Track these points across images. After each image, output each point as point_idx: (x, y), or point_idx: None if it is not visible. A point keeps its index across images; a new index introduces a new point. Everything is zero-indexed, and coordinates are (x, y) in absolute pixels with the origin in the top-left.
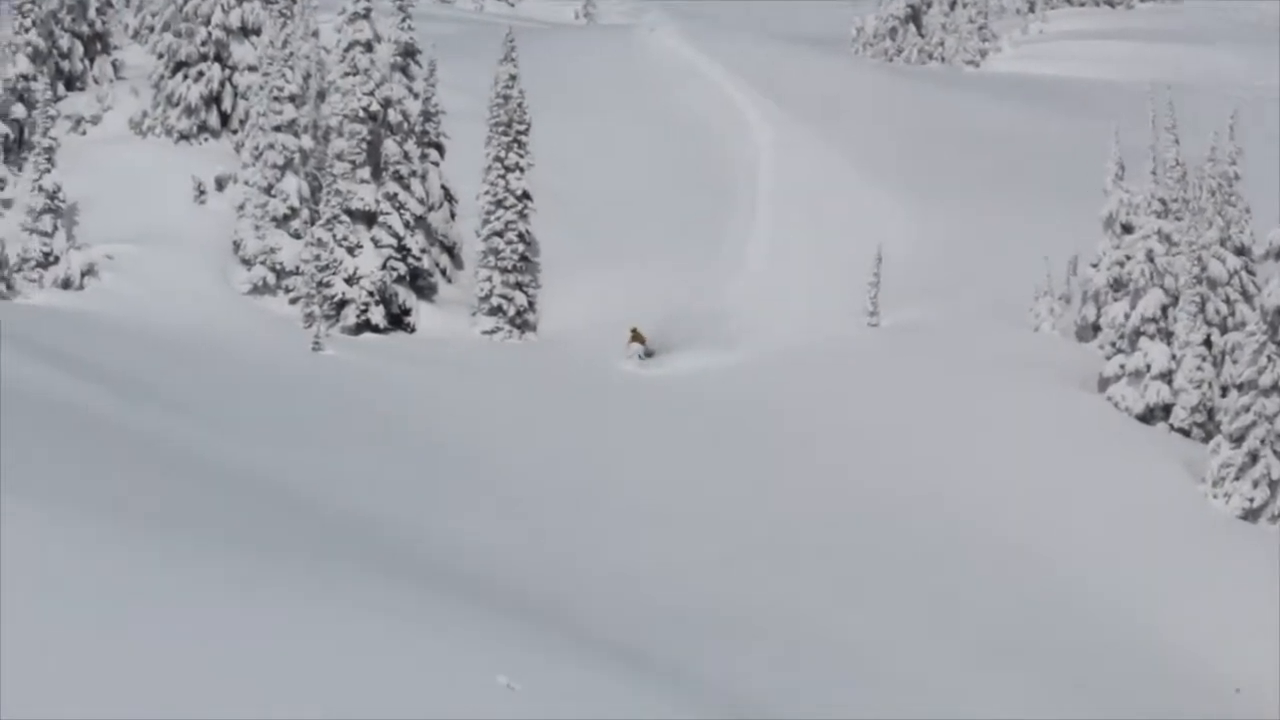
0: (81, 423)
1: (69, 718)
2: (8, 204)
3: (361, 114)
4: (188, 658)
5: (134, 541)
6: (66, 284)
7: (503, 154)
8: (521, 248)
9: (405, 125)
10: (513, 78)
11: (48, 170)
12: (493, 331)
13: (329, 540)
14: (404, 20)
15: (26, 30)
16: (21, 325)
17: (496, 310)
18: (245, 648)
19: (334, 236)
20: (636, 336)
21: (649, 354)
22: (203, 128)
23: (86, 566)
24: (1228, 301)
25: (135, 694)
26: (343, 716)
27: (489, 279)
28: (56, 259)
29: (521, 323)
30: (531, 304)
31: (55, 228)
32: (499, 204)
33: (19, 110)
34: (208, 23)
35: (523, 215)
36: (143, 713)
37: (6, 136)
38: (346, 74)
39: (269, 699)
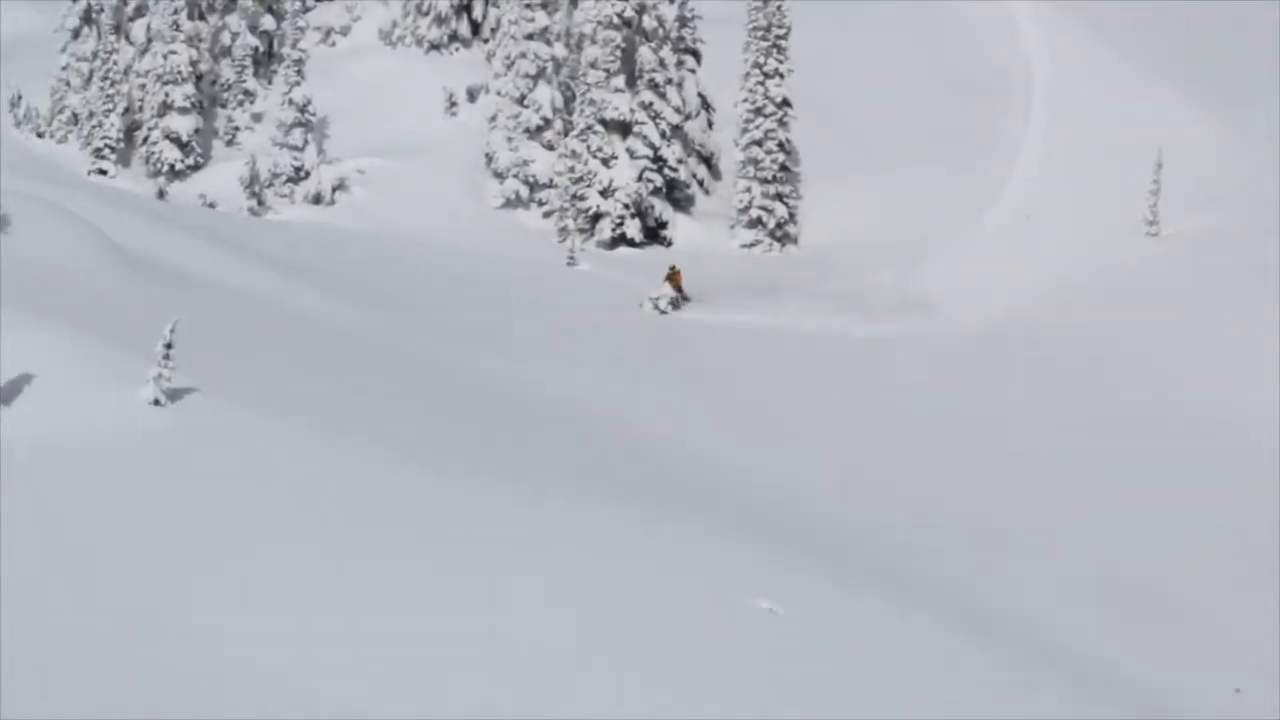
0: (360, 348)
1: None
2: (258, 118)
3: (616, 20)
4: (476, 581)
5: (437, 471)
6: (317, 199)
7: (762, 60)
8: (782, 157)
9: (660, 31)
10: None
11: (298, 83)
12: (752, 245)
13: (598, 459)
14: None
15: None
16: (279, 243)
17: (756, 222)
18: (511, 568)
19: (588, 148)
20: (672, 277)
21: (676, 303)
22: (453, 37)
23: (387, 498)
24: None
25: (440, 607)
26: (598, 635)
27: (748, 190)
28: (307, 174)
29: (782, 235)
30: (792, 215)
31: (306, 142)
32: (758, 112)
33: (268, 22)
34: None
35: (783, 123)
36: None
37: (256, 49)
38: None
39: (526, 616)
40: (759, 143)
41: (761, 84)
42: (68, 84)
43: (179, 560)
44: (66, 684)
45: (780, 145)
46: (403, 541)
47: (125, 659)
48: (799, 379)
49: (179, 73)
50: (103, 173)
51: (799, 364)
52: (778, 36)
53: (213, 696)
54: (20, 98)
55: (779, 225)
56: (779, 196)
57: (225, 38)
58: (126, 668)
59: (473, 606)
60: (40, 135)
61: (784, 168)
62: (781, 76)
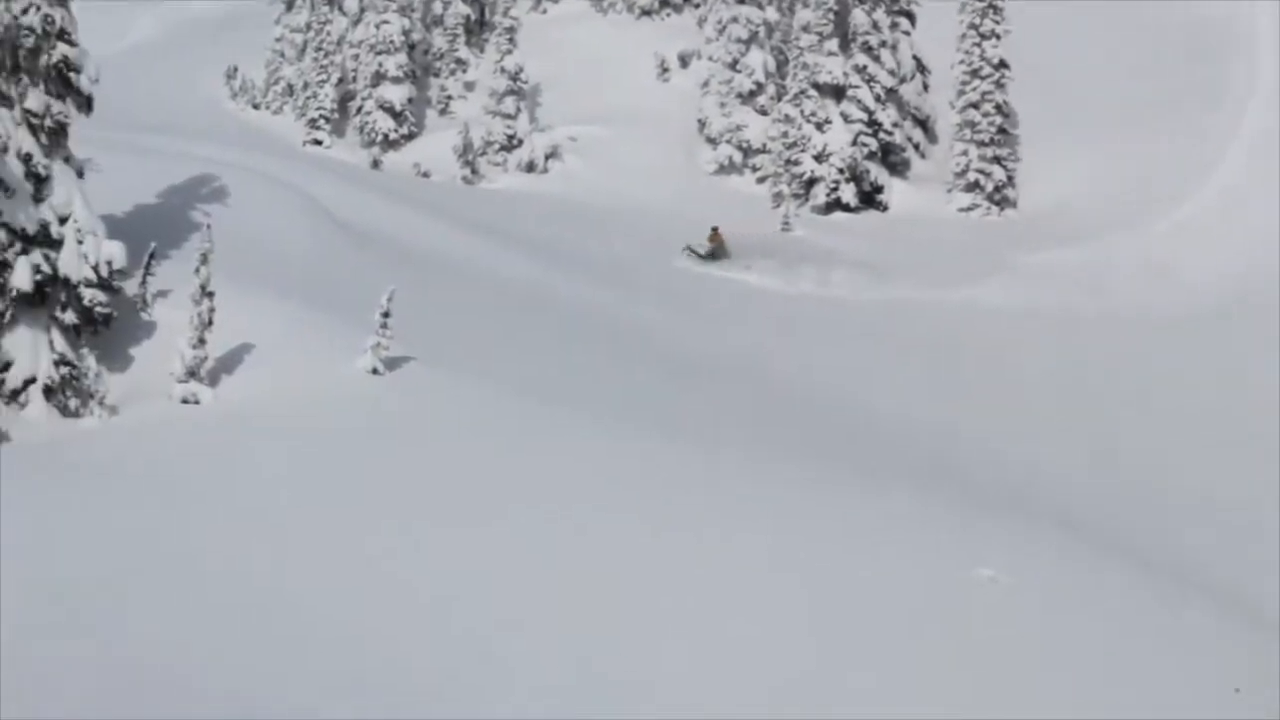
0: (571, 314)
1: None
2: (470, 86)
3: None
4: (738, 552)
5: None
6: (530, 167)
7: (978, 20)
8: (999, 120)
9: None
10: None
11: (509, 51)
12: (969, 209)
13: (828, 432)
14: None
15: None
16: (492, 211)
17: (973, 186)
18: (735, 534)
19: (802, 112)
20: (714, 236)
21: (714, 254)
22: (665, 2)
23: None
24: None
25: (706, 576)
26: (823, 599)
27: (965, 153)
28: (520, 142)
29: (1000, 199)
30: (1010, 179)
31: (518, 110)
32: (974, 74)
33: None
34: None
35: (1000, 85)
36: (708, 591)
37: (468, 18)
38: None
39: (753, 582)
40: (976, 105)
41: (978, 45)
42: (282, 55)
43: (393, 526)
44: (300, 650)
45: (997, 108)
46: (618, 507)
47: (345, 625)
48: (1014, 350)
49: (392, 42)
50: (318, 143)
51: (1015, 335)
52: None
53: (430, 668)
54: (236, 70)
55: (997, 189)
56: (997, 159)
57: (437, 7)
58: (353, 633)
59: (695, 574)
60: (256, 107)
61: (1001, 130)
62: (998, 38)
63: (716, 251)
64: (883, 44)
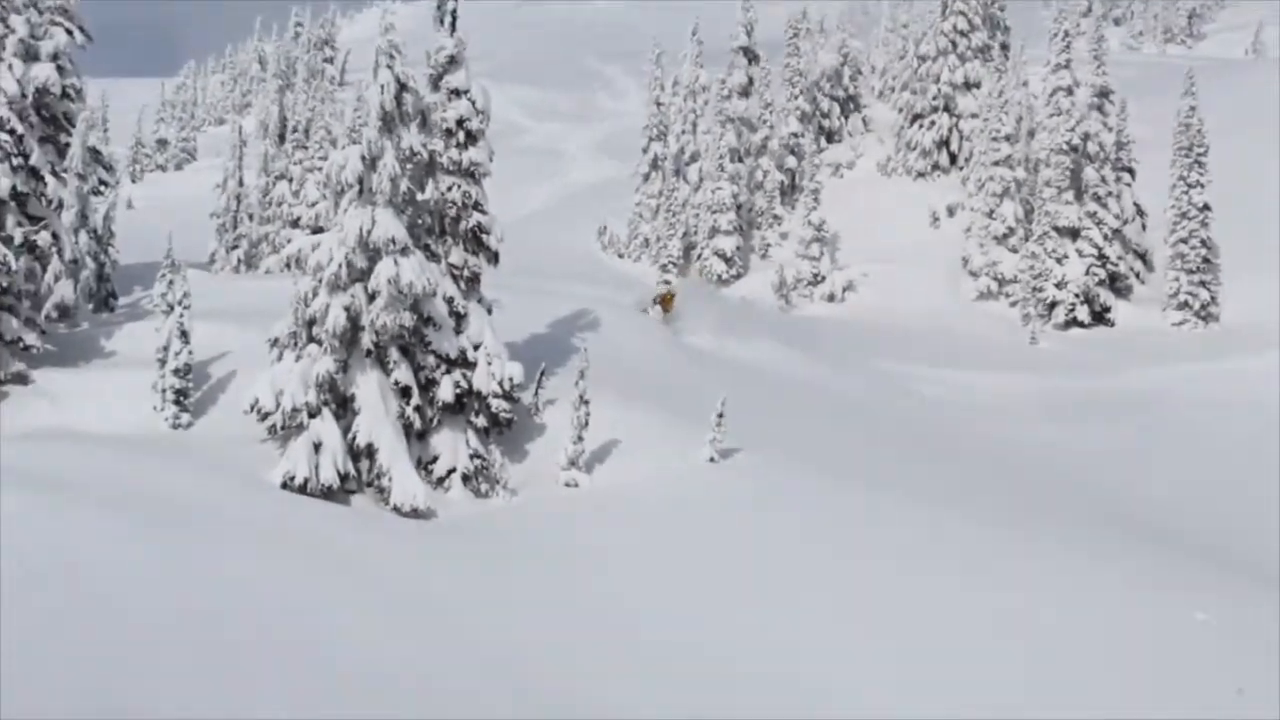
0: (865, 412)
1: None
2: (784, 236)
3: (1065, 147)
4: (965, 601)
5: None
6: (831, 298)
7: (1185, 173)
8: (1204, 252)
9: (1101, 154)
10: (1192, 109)
11: (814, 208)
12: (1180, 323)
13: (1064, 500)
14: (1099, 67)
15: (795, 98)
16: (801, 332)
17: (1183, 305)
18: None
19: (1044, 249)
20: (665, 299)
21: (662, 307)
22: (935, 166)
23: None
24: None
25: (902, 622)
26: (1048, 638)
27: (1176, 279)
28: (823, 278)
29: (1205, 315)
30: (1214, 299)
31: (821, 254)
32: (1183, 215)
33: (791, 161)
34: (938, 80)
35: (1204, 224)
36: (918, 635)
37: (781, 183)
38: (1052, 115)
39: (1004, 629)
40: (1184, 241)
41: (1185, 193)
42: (641, 216)
43: (736, 577)
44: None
45: (1202, 242)
46: (919, 567)
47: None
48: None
49: (724, 204)
50: (667, 284)
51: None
52: (1198, 154)
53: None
54: (606, 228)
55: (1203, 307)
56: (1203, 284)
57: (758, 175)
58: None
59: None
60: (620, 256)
61: (1206, 260)
62: (1202, 186)
63: (665, 308)
64: (1109, 194)
